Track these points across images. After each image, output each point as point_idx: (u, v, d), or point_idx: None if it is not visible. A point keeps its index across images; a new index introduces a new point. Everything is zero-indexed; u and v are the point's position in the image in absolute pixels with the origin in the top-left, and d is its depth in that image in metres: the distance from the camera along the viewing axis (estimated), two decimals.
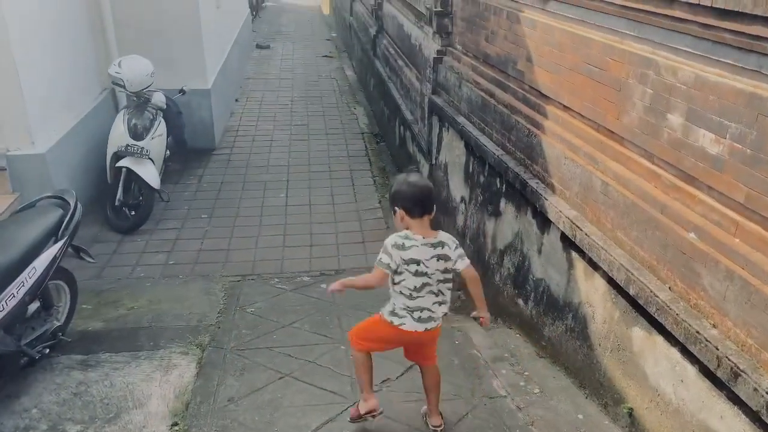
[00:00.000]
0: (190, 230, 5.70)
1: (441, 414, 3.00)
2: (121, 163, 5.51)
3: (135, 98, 5.78)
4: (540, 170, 3.82)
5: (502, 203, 4.32)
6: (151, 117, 5.79)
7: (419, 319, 2.69)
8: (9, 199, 5.21)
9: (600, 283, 3.20)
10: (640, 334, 2.87)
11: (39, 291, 3.13)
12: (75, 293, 3.62)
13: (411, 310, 2.68)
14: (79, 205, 3.44)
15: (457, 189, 5.16)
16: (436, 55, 5.52)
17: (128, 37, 6.81)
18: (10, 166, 5.18)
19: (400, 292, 2.68)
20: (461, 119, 4.94)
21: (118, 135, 5.59)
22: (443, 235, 2.69)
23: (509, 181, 4.12)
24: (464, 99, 4.96)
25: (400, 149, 7.47)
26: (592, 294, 3.27)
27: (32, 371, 3.33)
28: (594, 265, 3.22)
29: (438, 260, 2.64)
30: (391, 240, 2.65)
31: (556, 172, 3.63)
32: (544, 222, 3.73)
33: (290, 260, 5.25)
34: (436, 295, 2.70)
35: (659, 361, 2.74)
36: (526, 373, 3.53)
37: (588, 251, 3.23)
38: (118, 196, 5.54)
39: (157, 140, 5.75)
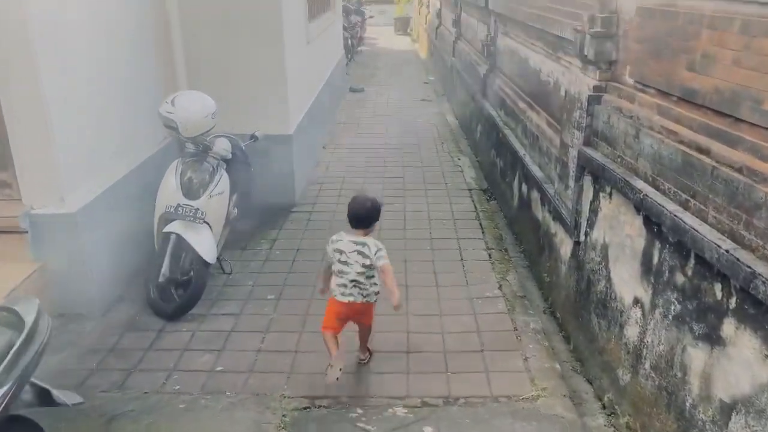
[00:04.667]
0: (251, 318, 4.33)
1: (369, 350, 3.89)
2: (169, 227, 4.28)
3: (192, 145, 4.58)
4: None
5: (728, 326, 2.64)
6: (211, 170, 4.54)
7: (343, 294, 3.53)
8: (28, 269, 4.09)
9: None
10: None
11: None
12: None
13: (338, 286, 3.54)
14: (42, 323, 2.11)
15: (626, 285, 3.51)
16: (591, 93, 3.97)
17: (200, 74, 5.83)
18: (32, 229, 4.09)
19: (334, 275, 3.57)
20: (639, 184, 3.33)
21: (168, 192, 4.37)
22: (370, 240, 3.50)
23: (750, 293, 2.45)
24: (645, 155, 3.36)
25: (520, 212, 5.88)
26: None
27: None
28: None
29: (358, 254, 3.45)
30: (331, 238, 3.57)
31: None
32: None
33: (379, 377, 3.72)
34: (354, 284, 3.50)
35: None
36: None
37: None
38: (162, 270, 4.28)
39: (216, 199, 4.48)
